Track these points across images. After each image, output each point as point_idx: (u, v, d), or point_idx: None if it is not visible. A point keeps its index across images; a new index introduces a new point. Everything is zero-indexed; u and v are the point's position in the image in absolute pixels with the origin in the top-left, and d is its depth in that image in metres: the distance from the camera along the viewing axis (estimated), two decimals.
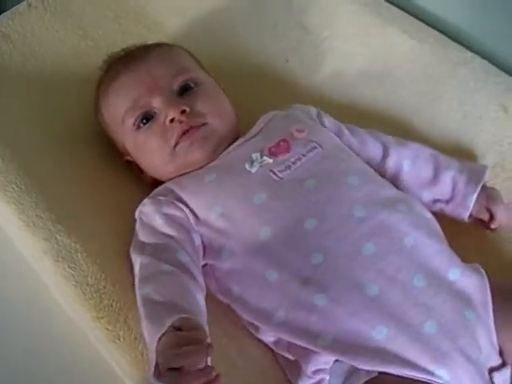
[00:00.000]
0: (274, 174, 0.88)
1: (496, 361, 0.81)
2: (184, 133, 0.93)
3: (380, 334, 0.78)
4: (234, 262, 0.86)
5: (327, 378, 0.82)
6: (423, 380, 0.76)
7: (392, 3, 1.13)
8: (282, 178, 0.88)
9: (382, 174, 0.96)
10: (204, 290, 0.85)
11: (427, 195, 0.96)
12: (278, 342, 0.87)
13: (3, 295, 0.98)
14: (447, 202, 0.96)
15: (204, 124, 0.94)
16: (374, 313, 0.79)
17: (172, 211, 0.89)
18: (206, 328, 0.78)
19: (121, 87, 0.97)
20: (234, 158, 0.92)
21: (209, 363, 0.71)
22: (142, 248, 0.87)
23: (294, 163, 0.89)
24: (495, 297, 0.83)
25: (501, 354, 0.81)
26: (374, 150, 0.99)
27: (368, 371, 0.79)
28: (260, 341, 0.89)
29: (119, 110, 0.97)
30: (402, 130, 1.06)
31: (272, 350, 0.89)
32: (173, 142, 0.93)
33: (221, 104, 0.99)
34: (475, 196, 0.94)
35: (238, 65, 1.16)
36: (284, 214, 0.85)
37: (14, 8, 1.17)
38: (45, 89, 1.09)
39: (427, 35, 1.10)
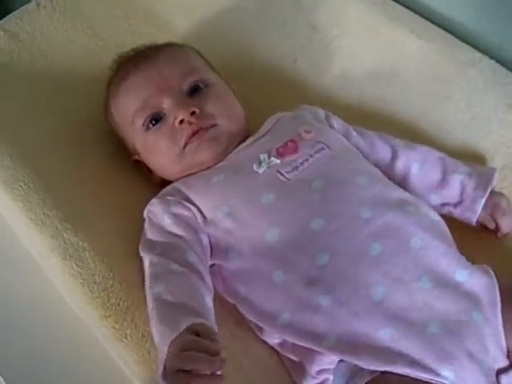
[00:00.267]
0: (282, 174, 0.88)
1: (504, 362, 0.80)
2: (194, 134, 0.93)
3: (384, 334, 0.78)
4: (241, 262, 0.86)
5: (331, 378, 0.81)
6: (427, 380, 0.76)
7: (398, 2, 1.13)
8: (289, 179, 0.88)
9: (391, 177, 0.96)
10: (212, 291, 0.85)
11: (435, 199, 0.96)
12: (282, 344, 0.87)
13: (9, 293, 0.98)
14: (455, 205, 0.96)
15: (213, 125, 0.94)
16: (378, 315, 0.79)
17: (180, 211, 0.89)
18: (215, 328, 0.78)
19: (131, 87, 0.97)
20: (241, 159, 0.92)
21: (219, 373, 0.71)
22: (151, 246, 0.87)
23: (301, 164, 0.89)
24: (504, 299, 0.82)
25: (509, 355, 0.81)
26: (382, 152, 0.99)
27: (372, 371, 0.79)
28: (265, 342, 0.89)
29: (129, 109, 0.97)
30: (410, 131, 1.06)
31: (277, 352, 0.89)
32: (182, 143, 0.93)
33: (231, 105, 0.99)
34: (483, 201, 0.94)
35: (247, 64, 1.16)
36: (291, 215, 0.85)
37: (22, 7, 1.17)
38: (53, 88, 1.10)
39: (435, 35, 1.10)
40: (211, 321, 0.79)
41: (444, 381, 0.76)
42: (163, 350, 0.74)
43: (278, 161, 0.90)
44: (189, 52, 1.03)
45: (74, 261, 0.88)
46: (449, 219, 0.92)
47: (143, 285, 0.85)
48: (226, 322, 0.88)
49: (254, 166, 0.90)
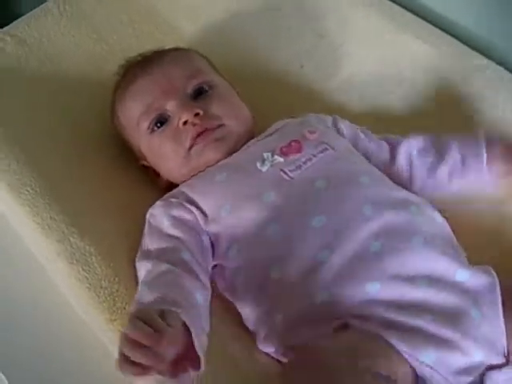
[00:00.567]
0: (285, 173, 0.88)
1: (498, 360, 0.79)
2: (198, 135, 0.93)
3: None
4: (241, 259, 0.86)
5: None
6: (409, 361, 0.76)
7: (406, 8, 1.13)
8: (292, 178, 0.88)
9: (398, 174, 0.97)
10: (207, 289, 0.84)
11: (442, 172, 0.96)
12: (275, 351, 0.86)
13: (11, 292, 0.99)
14: (461, 169, 0.96)
15: (220, 126, 0.94)
16: (374, 306, 0.79)
17: (180, 213, 0.89)
18: (207, 324, 0.78)
19: (137, 90, 0.98)
20: (245, 157, 0.93)
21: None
22: (147, 255, 0.87)
23: (304, 163, 0.89)
24: (506, 298, 0.82)
25: (508, 356, 0.80)
26: (386, 152, 0.99)
27: None
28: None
29: (134, 112, 0.97)
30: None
31: None
32: (187, 145, 0.93)
33: (236, 106, 0.99)
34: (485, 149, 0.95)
35: (252, 69, 1.16)
36: (293, 213, 0.85)
37: (30, 13, 1.18)
38: (60, 92, 1.10)
39: (442, 42, 1.09)
40: (194, 314, 0.76)
41: (425, 361, 0.75)
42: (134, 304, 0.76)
43: (282, 159, 0.90)
44: (193, 55, 1.04)
45: (81, 265, 0.88)
46: (452, 219, 0.91)
47: None
48: (227, 323, 0.88)
49: (258, 164, 0.90)
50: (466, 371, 0.77)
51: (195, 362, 0.71)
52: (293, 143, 0.92)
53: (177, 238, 0.87)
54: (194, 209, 0.90)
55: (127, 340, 0.67)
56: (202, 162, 0.94)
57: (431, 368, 0.76)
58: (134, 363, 0.66)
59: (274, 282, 0.84)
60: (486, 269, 0.85)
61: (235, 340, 0.88)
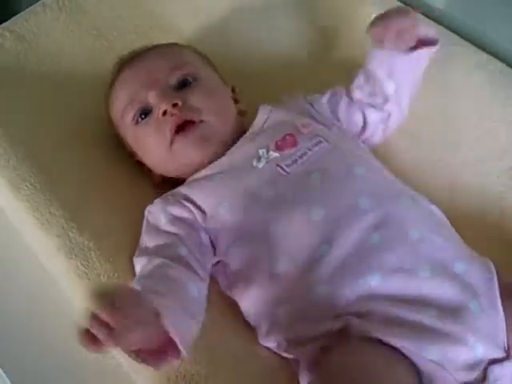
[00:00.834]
0: (282, 168, 0.89)
1: (499, 354, 0.79)
2: (178, 128, 0.92)
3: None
4: (242, 256, 0.87)
5: None
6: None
7: (405, 3, 1.13)
8: (289, 173, 0.88)
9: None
10: (203, 280, 0.84)
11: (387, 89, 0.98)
12: (278, 346, 0.86)
13: (11, 290, 0.99)
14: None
15: (201, 121, 0.93)
16: (375, 301, 0.79)
17: (178, 211, 0.89)
18: (200, 314, 0.78)
19: (121, 84, 0.98)
20: (241, 155, 0.92)
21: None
22: (144, 252, 0.87)
23: (300, 157, 0.89)
24: (505, 292, 0.82)
25: (508, 350, 0.80)
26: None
27: None
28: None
29: (119, 105, 0.97)
30: (416, 133, 1.06)
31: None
32: (168, 136, 0.92)
33: (220, 101, 0.97)
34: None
35: (252, 66, 1.15)
36: (292, 208, 0.85)
37: (29, 9, 1.18)
38: (59, 88, 1.10)
39: (441, 37, 1.09)
40: (175, 302, 0.75)
41: (428, 356, 0.76)
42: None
43: (277, 154, 0.90)
44: (184, 50, 1.03)
45: (80, 260, 0.88)
46: (452, 212, 0.92)
47: None
48: (229, 319, 0.89)
49: (254, 162, 0.90)
50: (469, 366, 0.77)
51: (176, 349, 0.70)
52: (287, 137, 0.92)
53: (174, 234, 0.87)
54: (192, 207, 0.90)
55: (89, 313, 0.66)
56: (187, 160, 0.94)
57: (436, 364, 0.76)
58: (92, 336, 0.65)
59: (275, 277, 0.84)
60: (485, 261, 0.85)
61: (237, 335, 0.88)
